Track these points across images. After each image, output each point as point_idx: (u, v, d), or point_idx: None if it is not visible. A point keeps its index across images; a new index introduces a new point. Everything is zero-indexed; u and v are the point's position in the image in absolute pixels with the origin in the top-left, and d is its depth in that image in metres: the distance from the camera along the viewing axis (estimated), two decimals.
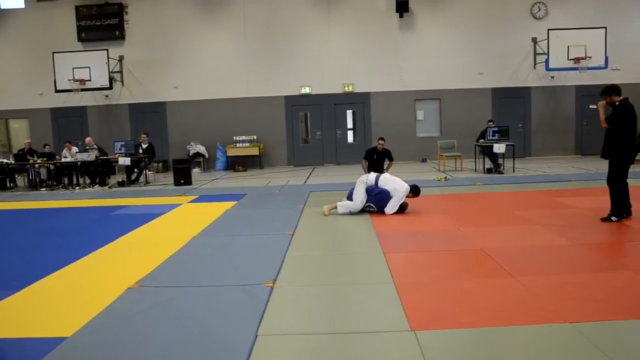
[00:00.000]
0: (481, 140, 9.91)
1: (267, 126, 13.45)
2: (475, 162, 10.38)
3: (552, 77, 12.94)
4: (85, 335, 2.56)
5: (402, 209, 5.52)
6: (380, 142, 8.23)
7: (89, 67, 12.28)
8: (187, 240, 4.50)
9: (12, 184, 10.29)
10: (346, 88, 13.49)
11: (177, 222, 5.65)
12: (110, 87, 12.70)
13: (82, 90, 12.40)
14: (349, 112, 13.90)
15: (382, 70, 13.29)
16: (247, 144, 13.17)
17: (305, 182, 9.63)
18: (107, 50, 12.49)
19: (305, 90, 13.51)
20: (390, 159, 8.45)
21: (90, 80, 12.32)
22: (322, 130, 13.78)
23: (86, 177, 10.10)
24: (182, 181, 9.60)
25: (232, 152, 13.03)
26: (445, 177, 8.84)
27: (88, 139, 10.68)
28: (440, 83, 13.24)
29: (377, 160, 8.25)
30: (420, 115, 13.48)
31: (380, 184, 5.58)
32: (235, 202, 6.85)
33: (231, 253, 4.02)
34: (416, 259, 3.74)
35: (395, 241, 4.35)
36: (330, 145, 13.79)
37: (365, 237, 4.56)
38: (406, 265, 3.60)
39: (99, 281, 3.49)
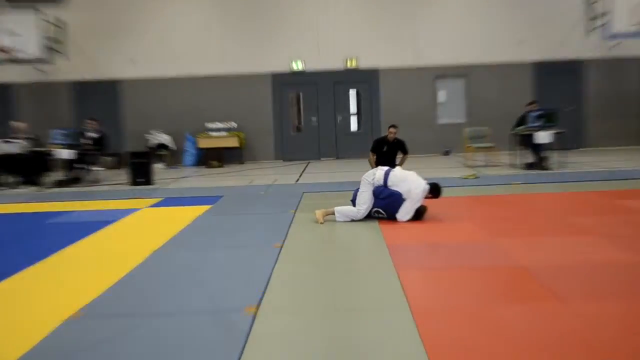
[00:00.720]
0: (520, 128, 9.89)
1: (249, 111, 13.42)
2: (514, 155, 10.36)
3: (613, 46, 12.87)
4: None
5: (419, 214, 5.50)
6: (392, 130, 8.26)
7: (16, 34, 12.02)
8: (146, 256, 4.47)
9: None
10: (349, 63, 13.48)
11: (134, 232, 5.64)
12: (47, 61, 12.58)
13: (8, 61, 12.16)
14: (352, 93, 13.90)
15: (394, 40, 13.27)
16: (223, 133, 13.15)
17: (297, 180, 9.63)
18: (42, 12, 12.37)
19: (298, 65, 13.48)
20: (404, 152, 8.44)
21: (19, 50, 12.05)
22: (318, 115, 13.78)
23: (13, 175, 9.97)
24: (140, 180, 9.59)
25: (204, 143, 13.00)
26: (474, 174, 8.84)
27: (18, 124, 10.42)
28: (467, 56, 13.25)
29: (387, 153, 8.26)
30: (441, 96, 13.49)
31: (390, 183, 5.55)
32: (209, 206, 6.86)
33: (203, 271, 4.00)
34: (438, 279, 3.70)
35: (411, 255, 4.32)
36: (328, 134, 13.78)
37: (373, 250, 4.54)
38: (425, 286, 3.57)
39: (28, 310, 3.42)
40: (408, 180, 5.53)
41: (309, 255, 4.41)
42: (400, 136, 8.48)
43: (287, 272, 3.93)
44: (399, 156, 8.45)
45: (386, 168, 5.75)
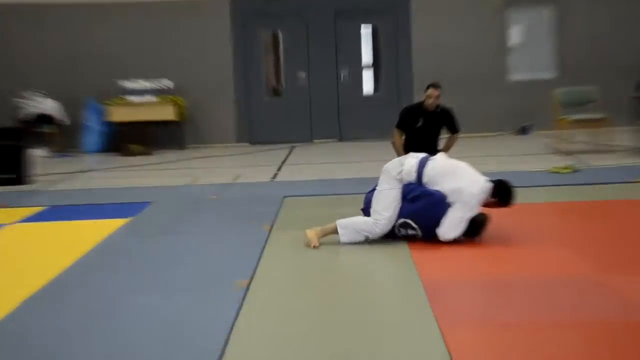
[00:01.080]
0: None
1: (193, 61, 13.37)
2: None
3: None
4: None
5: (476, 228, 5.48)
6: (432, 92, 8.22)
7: None
8: (12, 306, 4.38)
9: None
10: None
11: None
12: None
13: None
14: (365, 32, 13.84)
15: None
16: (151, 98, 13.07)
17: (275, 177, 9.62)
18: None
19: None
20: (453, 129, 8.43)
21: None
22: (309, 70, 13.74)
23: None
24: (6, 176, 9.51)
25: (119, 114, 13.01)
26: (572, 165, 8.83)
27: None
28: None
29: (424, 131, 8.26)
30: (515, 36, 13.45)
31: (426, 179, 5.57)
32: (126, 219, 6.87)
33: (113, 330, 3.94)
34: (510, 343, 3.65)
35: (464, 302, 4.32)
36: (326, 100, 13.76)
37: (399, 292, 4.53)
38: (489, 357, 3.52)
39: None
40: (457, 175, 5.52)
41: (294, 302, 4.35)
42: (445, 102, 8.44)
43: (258, 330, 3.89)
44: (443, 136, 8.44)
45: (422, 155, 5.73)
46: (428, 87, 8.29)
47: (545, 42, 13.47)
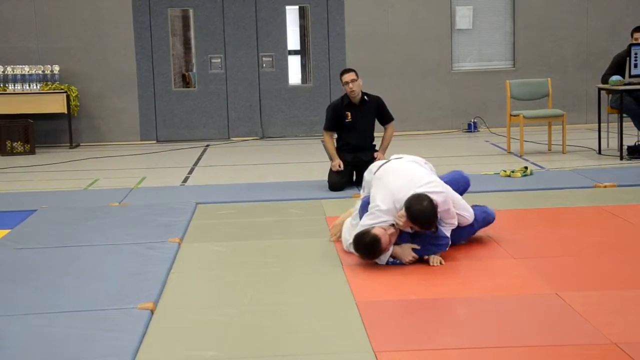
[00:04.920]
0: (615, 79, 9.95)
1: (88, 43, 13.19)
2: (601, 131, 10.45)
3: None
4: None
5: (361, 246, 5.41)
6: (348, 76, 8.23)
7: None
8: None
9: None
10: None
11: None
12: None
13: None
14: (292, 13, 13.82)
15: None
16: (35, 87, 12.83)
17: (185, 181, 9.63)
18: None
19: None
20: (386, 118, 8.50)
21: None
22: (225, 55, 13.64)
23: None
24: None
25: None
26: (523, 168, 8.95)
27: None
28: None
29: (355, 126, 8.32)
30: (463, 19, 13.59)
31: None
32: (5, 231, 6.82)
33: None
34: None
35: (402, 324, 4.36)
36: (245, 92, 13.71)
37: (330, 313, 4.54)
38: None
39: None
40: (379, 184, 5.58)
41: (207, 331, 4.31)
42: (384, 95, 8.51)
43: None
44: (379, 133, 8.52)
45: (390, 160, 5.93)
46: (343, 73, 8.32)
47: (497, 27, 13.56)
